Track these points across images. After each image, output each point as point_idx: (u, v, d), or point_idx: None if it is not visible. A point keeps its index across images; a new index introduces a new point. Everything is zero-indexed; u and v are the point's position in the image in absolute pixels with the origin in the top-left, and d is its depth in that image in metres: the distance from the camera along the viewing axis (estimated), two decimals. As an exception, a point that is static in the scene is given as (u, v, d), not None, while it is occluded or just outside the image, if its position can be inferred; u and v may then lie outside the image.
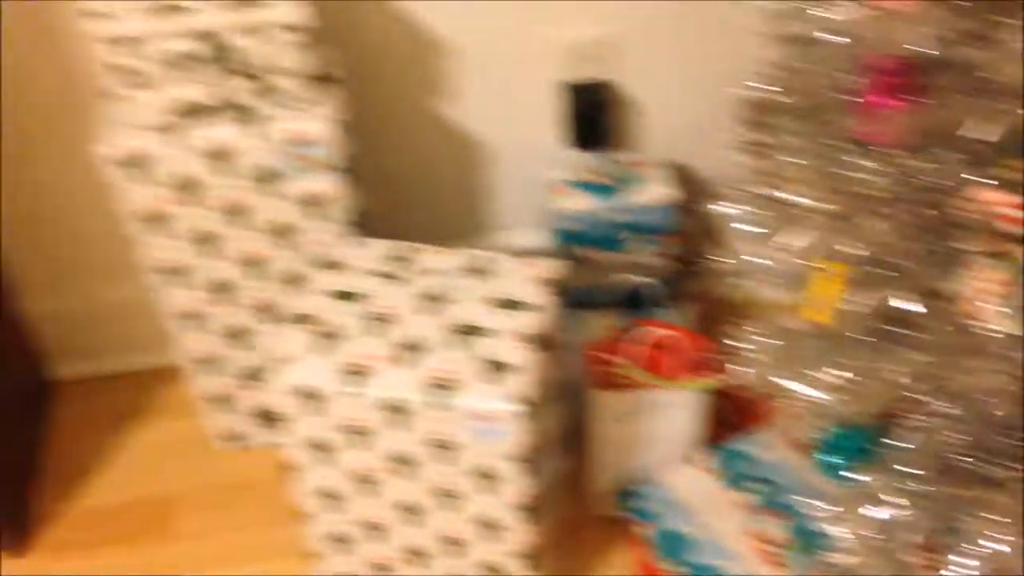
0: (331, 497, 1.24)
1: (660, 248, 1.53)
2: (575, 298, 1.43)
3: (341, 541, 1.29)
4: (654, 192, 1.49)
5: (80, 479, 1.53)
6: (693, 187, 1.60)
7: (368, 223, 1.35)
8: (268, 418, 1.24)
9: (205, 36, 1.15)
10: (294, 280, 1.34)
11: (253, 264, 1.32)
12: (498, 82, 1.47)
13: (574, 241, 1.51)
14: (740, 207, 1.26)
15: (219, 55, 1.16)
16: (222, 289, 1.33)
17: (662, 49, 1.47)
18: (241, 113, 1.21)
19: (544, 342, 1.15)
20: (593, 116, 1.48)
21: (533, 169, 1.55)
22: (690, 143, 1.57)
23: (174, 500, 1.49)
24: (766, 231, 1.19)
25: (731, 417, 1.47)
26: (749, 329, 1.28)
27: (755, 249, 1.25)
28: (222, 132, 1.20)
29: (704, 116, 1.55)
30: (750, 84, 1.15)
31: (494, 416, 1.10)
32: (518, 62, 1.46)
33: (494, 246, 1.61)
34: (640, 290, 1.44)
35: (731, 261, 1.31)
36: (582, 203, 1.48)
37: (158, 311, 1.58)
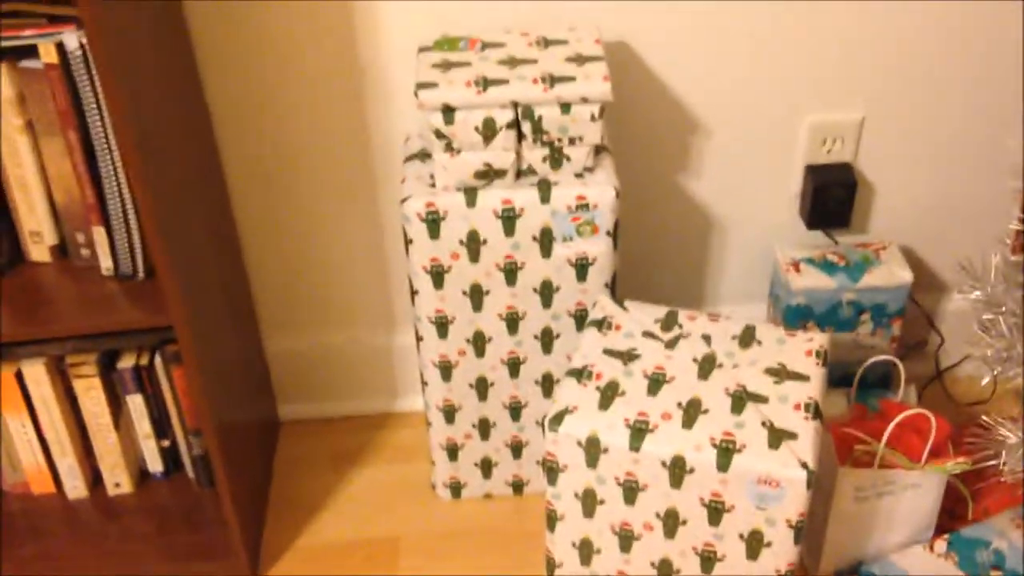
0: (585, 548, 1.28)
1: (890, 329, 1.56)
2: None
3: (583, 594, 1.33)
4: (888, 274, 1.52)
5: (306, 516, 1.59)
6: (920, 271, 1.63)
7: (613, 286, 1.41)
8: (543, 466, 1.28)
9: (515, 107, 1.24)
10: (550, 337, 1.40)
11: (511, 320, 1.38)
12: (740, 160, 1.53)
13: (801, 318, 1.54)
14: (995, 296, 1.29)
15: (524, 125, 1.25)
16: (478, 341, 1.40)
17: (906, 134, 1.52)
18: (533, 178, 1.29)
19: (818, 411, 1.18)
20: (830, 196, 1.53)
21: (764, 246, 1.60)
22: (921, 228, 1.61)
23: (400, 541, 1.55)
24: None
25: (960, 502, 1.47)
26: (1007, 414, 1.30)
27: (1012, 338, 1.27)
28: (514, 195, 1.28)
29: (939, 202, 1.59)
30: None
31: (776, 480, 1.13)
32: (761, 142, 1.52)
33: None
34: (871, 370, 1.47)
35: (982, 348, 1.33)
36: (814, 281, 1.52)
37: (384, 359, 1.67)
